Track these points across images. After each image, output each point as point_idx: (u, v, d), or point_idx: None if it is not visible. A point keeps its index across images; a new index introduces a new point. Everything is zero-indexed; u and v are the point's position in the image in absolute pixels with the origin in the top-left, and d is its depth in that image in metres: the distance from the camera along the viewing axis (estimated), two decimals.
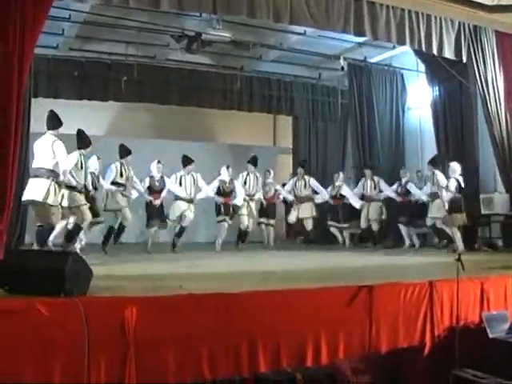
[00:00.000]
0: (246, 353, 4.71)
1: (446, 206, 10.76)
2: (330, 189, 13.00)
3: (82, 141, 9.23)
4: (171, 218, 11.08)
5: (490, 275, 6.42)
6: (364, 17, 8.89)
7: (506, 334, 5.73)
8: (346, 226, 12.87)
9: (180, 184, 11.10)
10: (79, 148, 9.10)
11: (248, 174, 11.94)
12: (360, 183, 12.78)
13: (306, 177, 12.84)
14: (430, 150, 12.10)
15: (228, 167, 11.66)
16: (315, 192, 12.80)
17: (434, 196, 11.21)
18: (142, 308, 4.34)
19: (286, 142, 16.06)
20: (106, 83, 12.82)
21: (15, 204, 7.92)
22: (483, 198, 10.90)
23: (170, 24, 11.09)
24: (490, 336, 5.65)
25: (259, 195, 12.24)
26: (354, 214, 12.82)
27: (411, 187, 12.03)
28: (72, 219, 9.15)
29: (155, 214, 11.02)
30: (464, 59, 10.05)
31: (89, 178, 9.62)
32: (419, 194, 11.83)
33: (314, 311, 5.03)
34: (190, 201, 11.11)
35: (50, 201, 7.69)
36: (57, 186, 7.81)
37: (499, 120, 10.25)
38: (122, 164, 10.63)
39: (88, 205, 9.09)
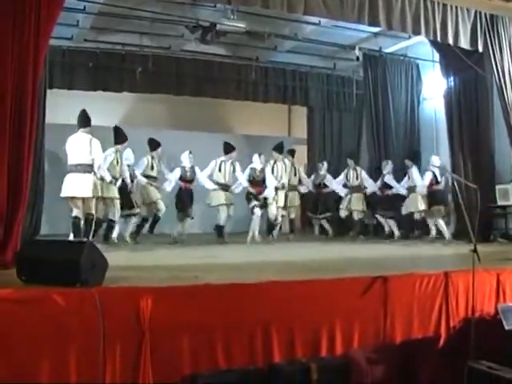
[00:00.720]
0: (261, 342, 4.74)
1: (422, 199, 11.45)
2: (312, 177, 13.21)
3: (119, 137, 10.00)
4: (212, 204, 11.03)
5: (506, 266, 6.38)
6: (379, 6, 8.82)
7: None
8: (325, 215, 13.03)
9: (220, 170, 11.06)
10: (116, 143, 9.86)
11: (275, 162, 11.54)
12: (343, 173, 12.95)
13: (296, 166, 12.89)
14: (445, 140, 12.02)
15: (260, 155, 11.33)
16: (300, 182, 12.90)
17: (411, 189, 11.72)
18: (158, 298, 4.36)
19: (301, 132, 16.03)
20: (121, 74, 12.86)
21: (31, 194, 8.04)
22: (499, 189, 10.85)
23: (184, 14, 11.08)
24: (506, 328, 5.61)
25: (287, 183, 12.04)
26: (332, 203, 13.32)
27: (389, 180, 12.31)
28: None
29: (184, 207, 10.99)
30: (480, 49, 9.95)
31: (127, 170, 10.17)
32: (397, 186, 12.18)
33: (329, 301, 5.04)
34: (226, 188, 11.03)
35: (95, 194, 8.79)
36: (96, 179, 8.80)
37: None
38: (152, 157, 10.85)
39: (119, 199, 9.74)
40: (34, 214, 10.13)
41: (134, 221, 10.59)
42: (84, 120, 9.08)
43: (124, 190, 10.12)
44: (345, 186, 12.81)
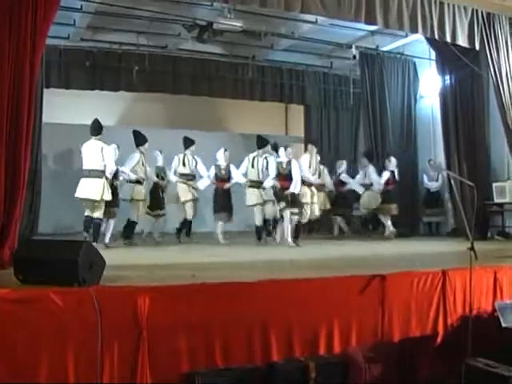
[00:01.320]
0: (259, 341, 4.75)
1: (379, 197, 11.73)
2: None
3: (139, 139, 10.36)
4: (247, 204, 10.75)
5: (503, 264, 6.40)
6: (376, 5, 8.81)
7: None
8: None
9: (252, 166, 10.77)
10: (137, 146, 10.25)
11: (311, 157, 10.77)
12: None
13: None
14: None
15: (286, 148, 10.42)
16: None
17: (367, 187, 12.10)
18: (155, 296, 4.38)
19: (298, 130, 16.00)
20: (118, 73, 12.84)
21: (28, 194, 8.05)
22: (496, 187, 10.88)
23: (181, 13, 11.05)
24: (503, 325, 5.64)
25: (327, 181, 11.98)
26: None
27: (345, 178, 12.63)
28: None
29: (221, 206, 10.81)
30: (477, 47, 9.97)
31: (152, 171, 10.61)
32: (353, 183, 12.53)
33: (327, 300, 5.05)
34: (259, 185, 10.60)
35: (104, 197, 9.18)
36: (106, 184, 9.23)
37: None
38: (185, 155, 10.93)
39: (144, 201, 10.21)
40: (31, 213, 10.14)
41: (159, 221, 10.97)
42: (96, 128, 9.48)
43: (153, 191, 10.60)
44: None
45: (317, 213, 11.10)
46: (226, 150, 10.97)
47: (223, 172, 10.87)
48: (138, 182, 10.10)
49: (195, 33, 11.45)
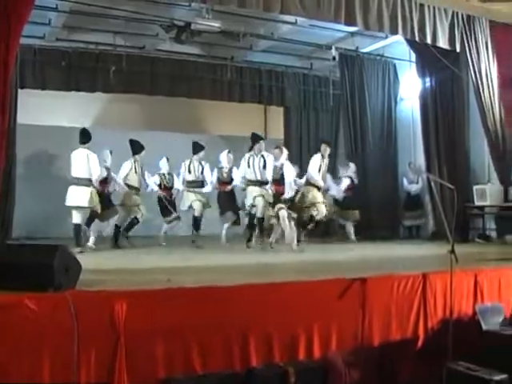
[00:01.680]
0: (238, 346, 4.70)
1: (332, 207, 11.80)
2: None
3: (135, 147, 10.59)
4: (248, 203, 10.12)
5: (484, 267, 6.41)
6: (355, 6, 8.82)
7: (499, 326, 5.71)
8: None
9: (248, 165, 10.11)
10: (134, 154, 10.56)
11: (323, 158, 10.21)
12: None
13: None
14: None
15: (277, 147, 10.00)
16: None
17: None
18: (132, 301, 4.32)
19: (278, 132, 15.94)
20: (94, 74, 12.65)
21: (2, 197, 7.93)
22: (476, 189, 10.87)
23: (158, 14, 10.96)
24: (484, 328, 5.64)
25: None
26: None
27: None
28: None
29: (226, 207, 10.80)
30: (457, 49, 9.99)
31: (150, 179, 10.85)
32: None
33: (306, 304, 5.00)
34: (261, 184, 9.92)
35: (92, 204, 9.38)
36: (94, 191, 9.41)
37: (493, 111, 10.23)
38: (190, 161, 10.88)
39: (139, 205, 10.45)
40: (5, 217, 10.00)
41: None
42: (83, 137, 9.57)
43: (160, 200, 10.85)
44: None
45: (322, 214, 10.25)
46: (229, 152, 10.93)
47: (225, 175, 10.86)
48: (131, 189, 10.36)
49: (173, 33, 11.36)
